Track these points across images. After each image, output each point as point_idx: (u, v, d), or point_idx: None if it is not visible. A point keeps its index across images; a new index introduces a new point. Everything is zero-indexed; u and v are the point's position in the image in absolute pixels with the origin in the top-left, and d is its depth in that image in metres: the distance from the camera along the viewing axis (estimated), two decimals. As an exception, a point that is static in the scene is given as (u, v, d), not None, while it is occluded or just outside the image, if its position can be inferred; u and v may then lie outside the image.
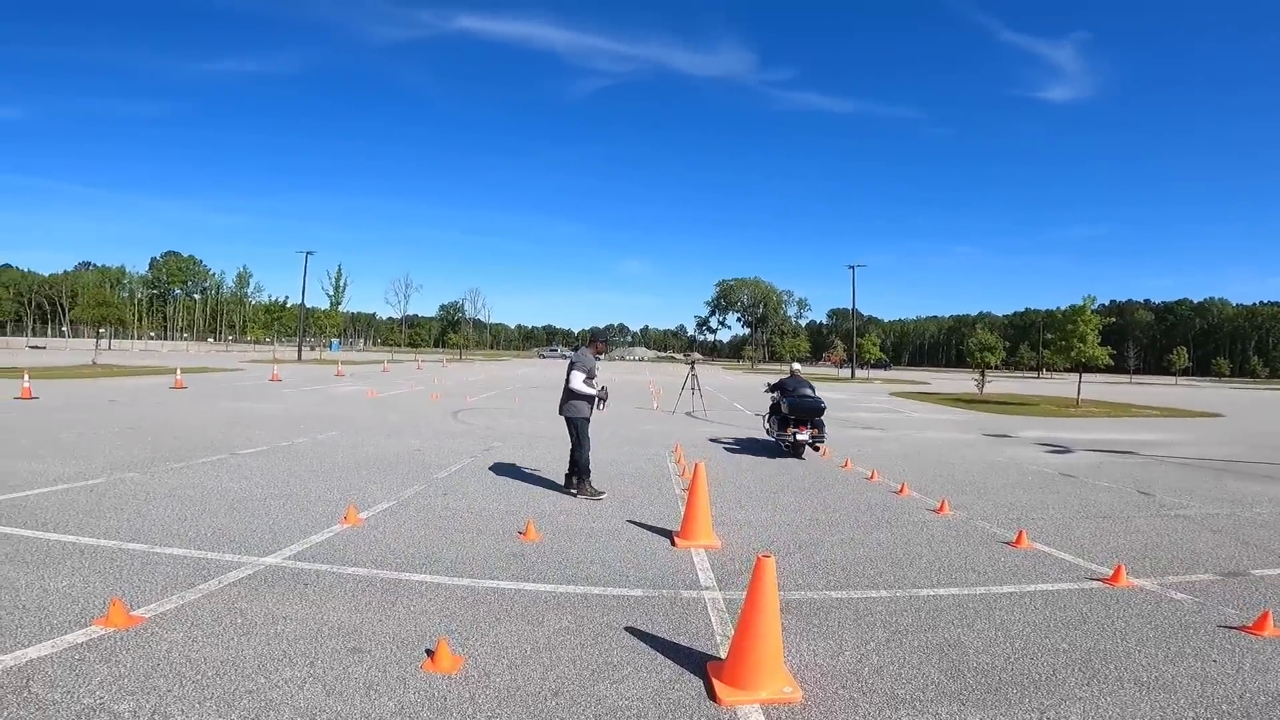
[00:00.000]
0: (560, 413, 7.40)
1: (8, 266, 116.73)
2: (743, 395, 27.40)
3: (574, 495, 7.23)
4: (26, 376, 16.42)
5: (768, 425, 11.60)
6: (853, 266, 58.36)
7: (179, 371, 23.03)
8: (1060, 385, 49.26)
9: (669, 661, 3.45)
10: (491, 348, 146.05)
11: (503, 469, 8.67)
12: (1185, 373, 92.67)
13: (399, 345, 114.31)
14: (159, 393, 17.67)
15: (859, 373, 57.58)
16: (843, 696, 3.19)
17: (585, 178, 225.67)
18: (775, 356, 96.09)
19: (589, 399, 7.37)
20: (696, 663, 3.45)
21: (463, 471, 8.37)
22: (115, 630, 3.35)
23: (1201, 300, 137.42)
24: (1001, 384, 44.02)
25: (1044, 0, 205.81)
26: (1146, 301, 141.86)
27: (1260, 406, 31.39)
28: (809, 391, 10.99)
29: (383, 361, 49.91)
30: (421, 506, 6.50)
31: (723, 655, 3.53)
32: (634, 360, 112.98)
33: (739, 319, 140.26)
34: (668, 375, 43.73)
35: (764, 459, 10.45)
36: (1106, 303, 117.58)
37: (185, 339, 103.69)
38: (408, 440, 10.71)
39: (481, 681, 3.13)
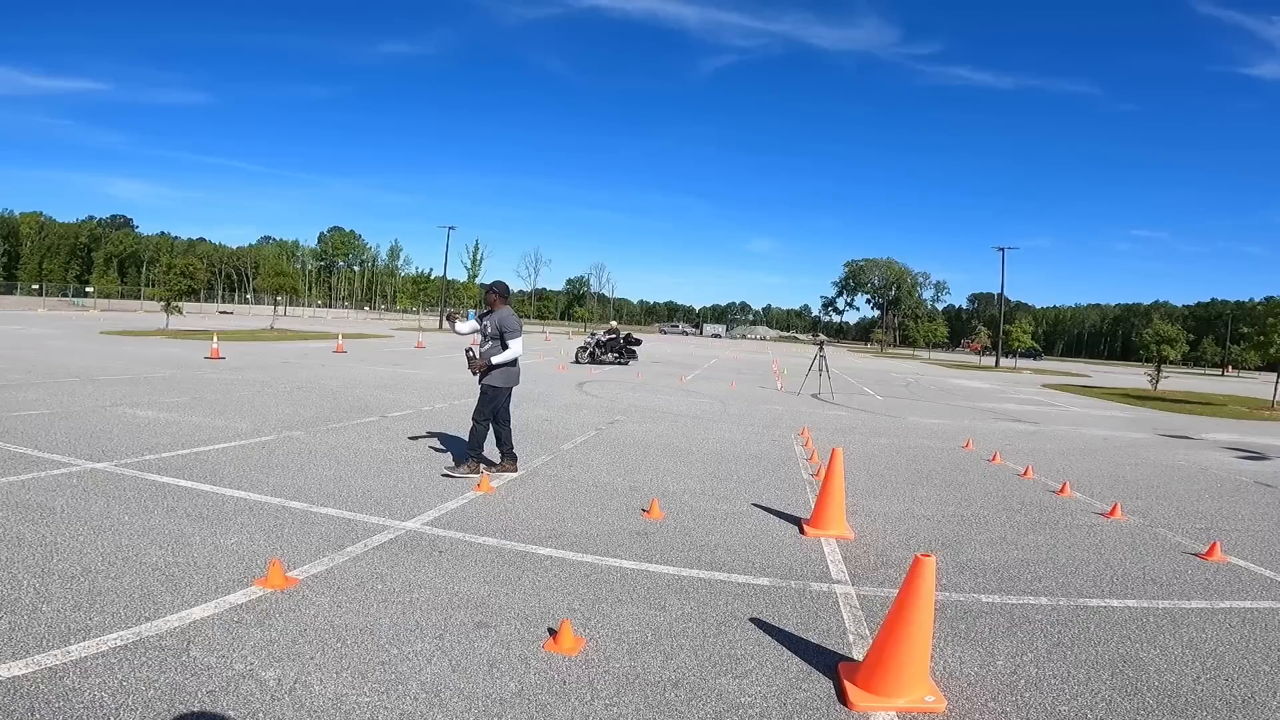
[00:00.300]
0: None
1: (203, 240, 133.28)
2: (873, 380, 26.11)
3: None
4: (215, 339, 18.63)
5: None
6: (1002, 249, 54.23)
7: (340, 337, 25.31)
8: (1251, 385, 43.01)
9: (796, 658, 3.27)
10: (614, 322, 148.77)
11: (626, 443, 8.72)
12: None
13: (528, 317, 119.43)
14: (323, 356, 19.45)
15: (1004, 361, 53.34)
16: (993, 709, 2.91)
17: (714, 154, 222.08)
18: (908, 340, 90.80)
19: (502, 364, 6.32)
20: (826, 662, 3.25)
21: (588, 444, 8.50)
22: (273, 591, 3.59)
23: None
24: (1178, 380, 39.02)
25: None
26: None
27: None
28: None
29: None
30: (548, 477, 6.65)
31: (856, 656, 3.31)
32: (756, 339, 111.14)
33: (868, 300, 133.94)
34: (791, 356, 42.59)
35: (900, 446, 9.83)
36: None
37: (345, 307, 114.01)
38: (536, 410, 11.07)
39: (601, 665, 3.09)
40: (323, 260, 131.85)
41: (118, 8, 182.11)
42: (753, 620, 3.67)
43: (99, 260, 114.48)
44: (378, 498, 5.50)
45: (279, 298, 46.89)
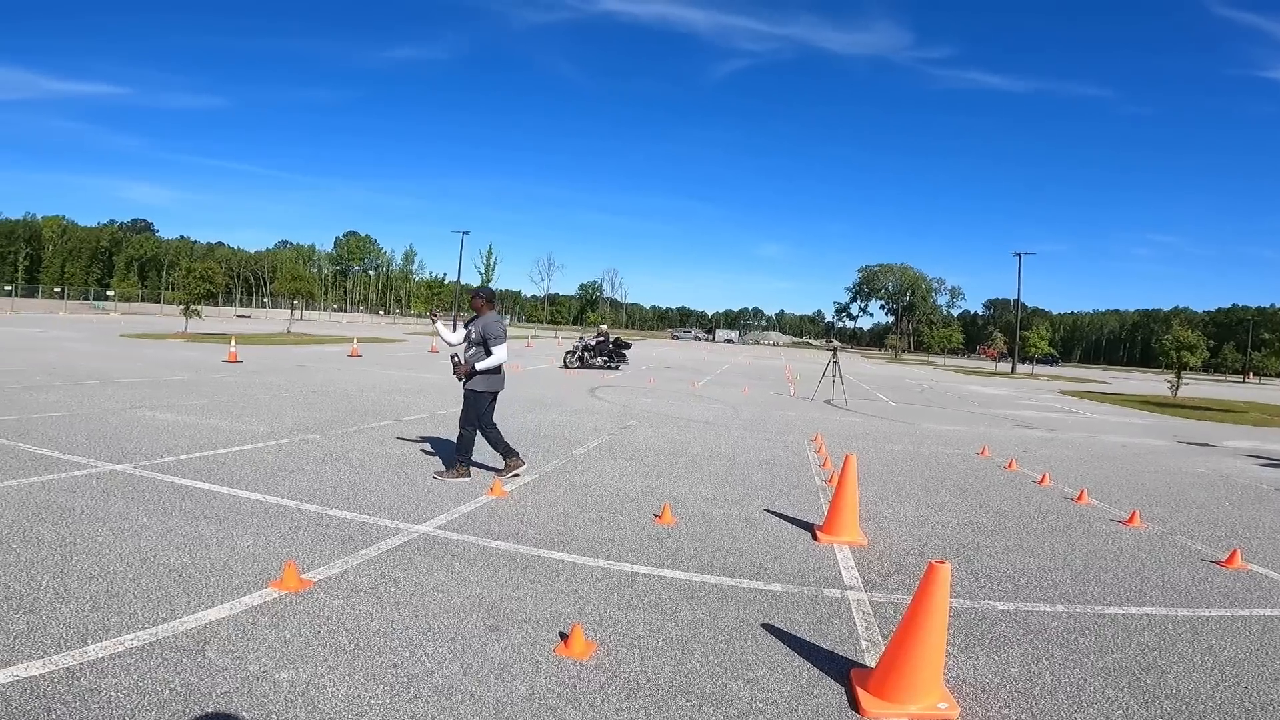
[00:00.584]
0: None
1: (221, 244, 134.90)
2: (887, 386, 25.94)
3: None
4: (234, 342, 18.85)
5: None
6: (1019, 254, 53.50)
7: (355, 341, 25.52)
8: (1273, 391, 42.22)
9: (808, 664, 3.25)
10: (627, 327, 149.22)
11: (639, 448, 8.72)
12: None
13: (541, 322, 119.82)
14: (338, 360, 19.62)
15: (1021, 368, 52.77)
16: (1007, 717, 2.88)
17: (725, 158, 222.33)
18: (923, 347, 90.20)
19: (486, 370, 6.41)
20: (839, 668, 3.22)
21: (600, 449, 8.51)
22: (287, 593, 3.61)
23: None
24: (1199, 387, 38.44)
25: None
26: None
27: None
28: None
29: (526, 338, 52.48)
30: (561, 482, 6.66)
31: (868, 662, 3.28)
32: (769, 345, 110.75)
33: (882, 306, 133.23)
34: (804, 361, 42.40)
35: (915, 452, 9.75)
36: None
37: (360, 311, 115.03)
38: (548, 414, 11.09)
39: (612, 670, 3.09)
40: (338, 264, 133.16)
41: (133, 11, 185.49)
42: (764, 626, 3.65)
43: (120, 264, 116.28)
44: (391, 501, 5.54)
45: (295, 302, 47.45)
